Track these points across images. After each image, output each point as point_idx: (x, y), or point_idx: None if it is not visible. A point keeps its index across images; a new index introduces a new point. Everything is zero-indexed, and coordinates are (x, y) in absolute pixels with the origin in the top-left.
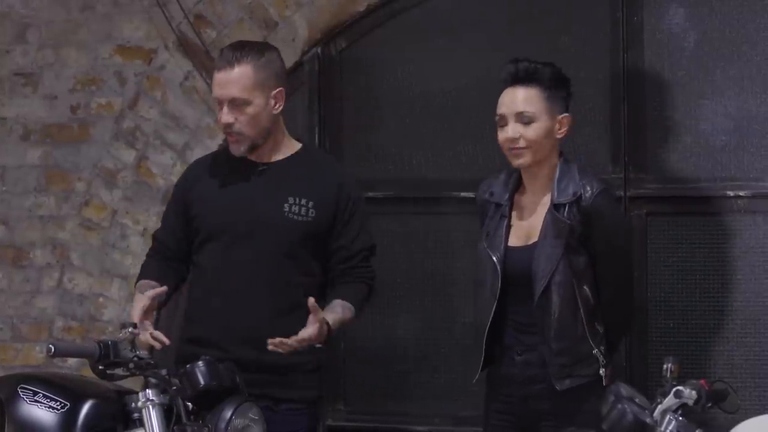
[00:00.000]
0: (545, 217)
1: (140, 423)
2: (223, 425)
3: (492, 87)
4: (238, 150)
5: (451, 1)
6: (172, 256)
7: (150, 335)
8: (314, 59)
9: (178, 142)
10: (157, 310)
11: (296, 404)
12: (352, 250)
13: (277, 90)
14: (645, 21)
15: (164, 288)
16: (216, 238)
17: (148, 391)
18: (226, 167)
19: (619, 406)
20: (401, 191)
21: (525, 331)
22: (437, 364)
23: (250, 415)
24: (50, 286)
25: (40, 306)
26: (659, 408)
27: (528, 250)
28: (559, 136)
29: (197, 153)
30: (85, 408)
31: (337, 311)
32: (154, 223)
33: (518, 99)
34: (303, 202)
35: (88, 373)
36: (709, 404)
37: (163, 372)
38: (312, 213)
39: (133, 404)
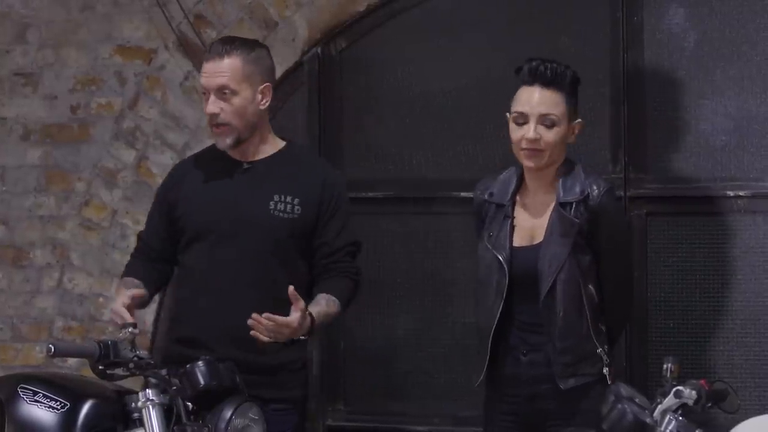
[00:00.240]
0: (551, 215)
1: (140, 423)
2: (223, 425)
3: (492, 87)
4: (223, 143)
5: (451, 1)
6: (156, 257)
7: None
8: (314, 59)
9: (178, 142)
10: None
11: (284, 404)
12: (335, 246)
13: (265, 85)
14: (645, 21)
15: (143, 291)
16: (202, 238)
17: (148, 391)
18: (210, 166)
19: (619, 406)
20: (401, 191)
21: (530, 330)
22: (437, 364)
23: (250, 415)
24: (50, 286)
25: (40, 306)
26: (659, 408)
27: (533, 249)
28: (569, 142)
29: None
30: (85, 408)
31: (321, 304)
32: None
33: (544, 100)
34: (288, 199)
35: (88, 373)
36: (709, 404)
37: (163, 372)
38: (297, 210)
39: (133, 404)
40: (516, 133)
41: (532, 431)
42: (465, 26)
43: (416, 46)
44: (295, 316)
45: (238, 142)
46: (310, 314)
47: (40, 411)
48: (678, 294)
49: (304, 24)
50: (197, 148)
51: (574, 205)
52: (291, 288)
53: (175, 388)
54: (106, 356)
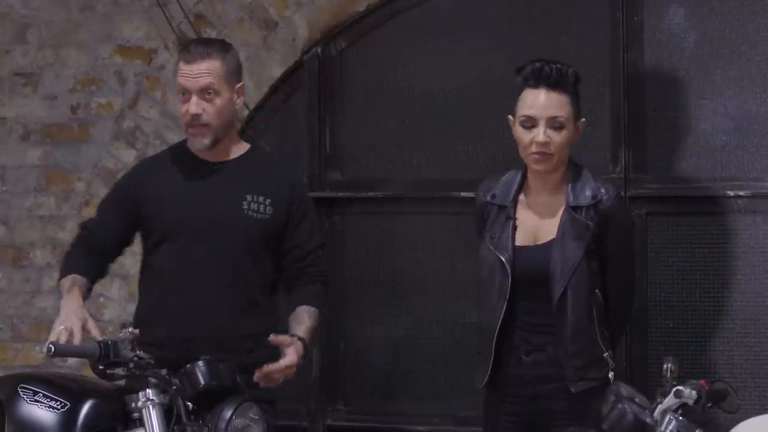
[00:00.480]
0: (562, 218)
1: (140, 423)
2: (223, 425)
3: (492, 87)
4: (202, 143)
5: (451, 1)
6: (99, 250)
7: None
8: (314, 59)
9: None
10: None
11: (259, 404)
12: (307, 248)
13: (240, 85)
14: (645, 21)
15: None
16: (173, 238)
17: (149, 391)
18: (179, 166)
19: (620, 406)
20: (401, 191)
21: (534, 331)
22: (437, 364)
23: (250, 414)
24: (50, 286)
25: (40, 306)
26: (659, 408)
27: (538, 250)
28: (573, 143)
29: None
30: (85, 408)
31: (305, 320)
32: None
33: (551, 103)
34: (260, 199)
35: (88, 373)
36: (709, 404)
37: (163, 372)
38: (270, 210)
39: (133, 404)
40: (525, 136)
41: (535, 431)
42: (465, 26)
43: (416, 46)
44: (291, 357)
45: (214, 143)
46: (300, 338)
47: (40, 411)
48: (678, 294)
49: (304, 24)
50: None
51: (584, 209)
52: (271, 337)
53: (175, 387)
54: (106, 356)
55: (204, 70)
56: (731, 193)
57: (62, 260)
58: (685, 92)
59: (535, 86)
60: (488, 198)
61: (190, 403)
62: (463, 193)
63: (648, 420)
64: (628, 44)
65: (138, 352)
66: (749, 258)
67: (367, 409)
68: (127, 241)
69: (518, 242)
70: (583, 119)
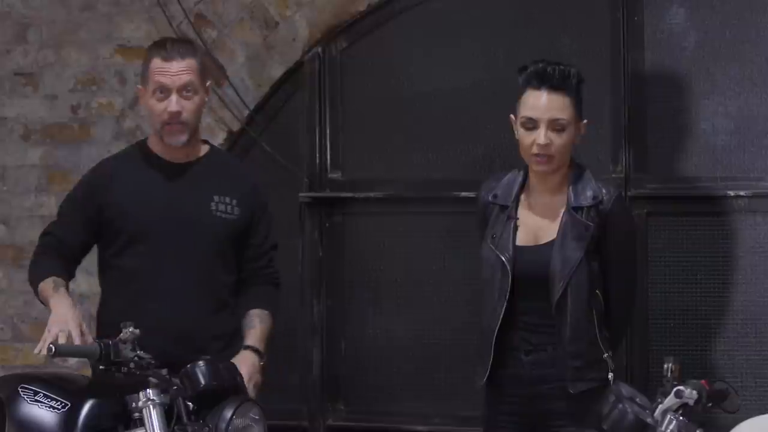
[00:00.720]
0: (562, 218)
1: (141, 423)
2: (223, 425)
3: (493, 87)
4: (179, 140)
5: (452, 1)
6: (68, 253)
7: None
8: (315, 59)
9: None
10: None
11: None
12: (262, 249)
13: (209, 83)
14: (645, 21)
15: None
16: (142, 240)
17: (149, 391)
18: (142, 167)
19: (620, 406)
20: (401, 191)
21: (534, 330)
22: (437, 364)
23: (251, 414)
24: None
25: (40, 306)
26: (660, 408)
27: (539, 250)
28: (575, 143)
29: None
30: (86, 408)
31: (255, 324)
32: None
33: (553, 105)
34: (227, 200)
35: (88, 373)
36: (710, 404)
37: (164, 372)
38: (236, 211)
39: (134, 404)
40: (526, 138)
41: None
42: (465, 26)
43: (417, 45)
44: (246, 371)
45: (189, 140)
46: (253, 348)
47: (40, 411)
48: (678, 293)
49: (304, 24)
50: None
51: (585, 210)
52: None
53: (175, 387)
54: (106, 356)
55: (185, 68)
56: (732, 193)
57: (32, 267)
58: (686, 92)
59: (538, 87)
60: (490, 198)
61: (190, 403)
62: (463, 193)
63: (648, 420)
64: (629, 44)
65: (138, 351)
66: (750, 258)
67: (367, 408)
68: (92, 243)
69: (519, 242)
70: (586, 120)
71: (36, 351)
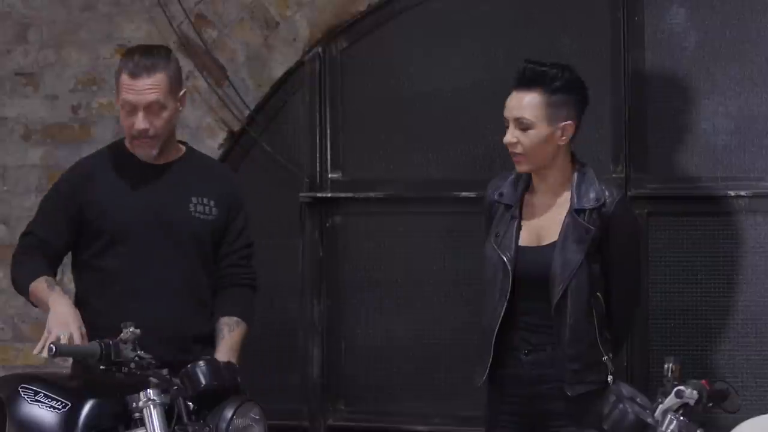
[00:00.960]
0: (564, 220)
1: (141, 423)
2: (224, 425)
3: (493, 87)
4: (149, 154)
5: (452, 1)
6: (51, 253)
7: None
8: (315, 59)
9: None
10: None
11: None
12: (234, 246)
13: (182, 93)
14: (646, 21)
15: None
16: (121, 241)
17: (150, 391)
18: (122, 168)
19: (621, 406)
20: (401, 191)
21: (534, 330)
22: (438, 364)
23: (251, 414)
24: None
25: None
26: (660, 408)
27: (541, 250)
28: (560, 143)
29: None
30: (86, 408)
31: (225, 335)
32: None
33: (518, 104)
34: (205, 201)
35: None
36: (710, 404)
37: (164, 372)
38: (214, 211)
39: (135, 404)
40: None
41: (536, 431)
42: (466, 26)
43: (417, 45)
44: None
45: (160, 151)
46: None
47: (41, 411)
48: (679, 293)
49: (305, 24)
50: (198, 148)
51: (587, 213)
52: None
53: (176, 387)
54: (107, 356)
55: (149, 86)
56: (732, 193)
57: (16, 268)
58: (686, 92)
59: (514, 87)
60: (496, 196)
61: (191, 403)
62: (463, 193)
63: (649, 420)
64: (629, 44)
65: (139, 351)
66: (750, 258)
67: (367, 408)
68: (73, 243)
69: (522, 242)
70: (569, 121)
71: (36, 351)
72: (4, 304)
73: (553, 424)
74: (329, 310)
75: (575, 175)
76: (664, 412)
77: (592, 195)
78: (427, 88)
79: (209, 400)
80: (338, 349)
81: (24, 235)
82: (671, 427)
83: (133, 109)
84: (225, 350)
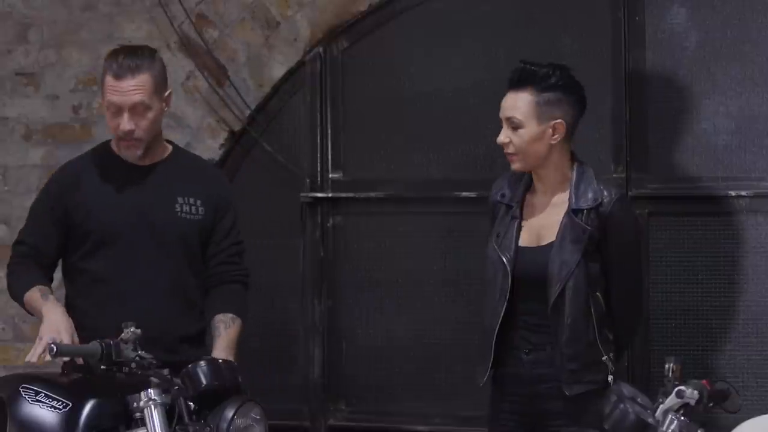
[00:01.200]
0: (562, 220)
1: (142, 423)
2: (225, 425)
3: (493, 87)
4: (134, 155)
5: (453, 2)
6: (45, 261)
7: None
8: (316, 59)
9: (179, 142)
10: None
11: None
12: (223, 245)
13: (168, 93)
14: (647, 21)
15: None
16: (109, 244)
17: (150, 391)
18: (107, 170)
19: (621, 406)
20: (402, 191)
21: (534, 330)
22: (438, 364)
23: (252, 414)
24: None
25: None
26: (661, 408)
27: (540, 250)
28: (552, 142)
29: (198, 152)
30: (87, 408)
31: (221, 333)
32: None
33: (509, 104)
34: (192, 200)
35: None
36: (711, 404)
37: (165, 372)
38: (201, 211)
39: (135, 404)
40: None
41: (536, 431)
42: (466, 26)
43: (418, 45)
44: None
45: (146, 152)
46: (224, 361)
47: (42, 411)
48: (680, 294)
49: (306, 24)
50: (199, 148)
51: (585, 212)
52: None
53: (177, 387)
54: (108, 356)
55: (134, 87)
56: (733, 193)
57: (11, 279)
58: (687, 92)
59: (507, 87)
60: (498, 197)
61: (191, 403)
62: (464, 193)
63: (650, 420)
64: (630, 44)
65: (140, 351)
66: (751, 258)
67: (368, 408)
68: (65, 247)
69: (522, 242)
70: (559, 120)
71: (27, 359)
72: (5, 304)
73: (552, 423)
74: (330, 310)
75: (574, 174)
76: (665, 412)
77: (590, 195)
78: (428, 88)
79: (210, 400)
80: (339, 349)
81: (16, 244)
82: (672, 427)
83: (118, 110)
84: (223, 347)
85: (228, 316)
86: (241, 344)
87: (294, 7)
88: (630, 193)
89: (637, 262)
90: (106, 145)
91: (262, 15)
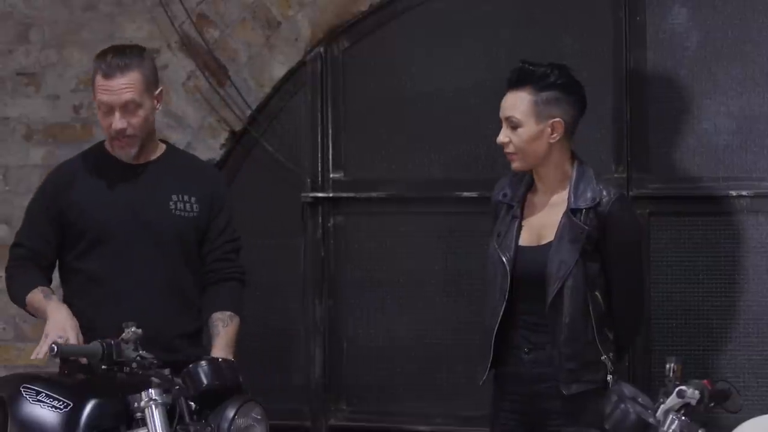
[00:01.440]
0: (561, 219)
1: (143, 423)
2: (225, 425)
3: (494, 87)
4: (129, 154)
5: (454, 2)
6: (43, 263)
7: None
8: (317, 59)
9: (180, 142)
10: None
11: None
12: (215, 243)
13: (159, 90)
14: (647, 21)
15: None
16: (104, 243)
17: (151, 391)
18: (101, 169)
19: (622, 405)
20: (403, 191)
21: (534, 329)
22: (439, 364)
23: (253, 414)
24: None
25: None
26: (662, 408)
27: (540, 250)
28: (551, 141)
29: (199, 152)
30: (88, 408)
31: (220, 331)
32: None
33: (508, 103)
34: (186, 198)
35: None
36: (712, 404)
37: (166, 371)
38: (196, 208)
39: (136, 404)
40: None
41: (535, 430)
42: (467, 26)
43: (419, 45)
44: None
45: (140, 150)
46: (228, 360)
47: (42, 411)
48: (681, 293)
49: (306, 24)
50: (199, 148)
51: (584, 212)
52: None
53: (177, 387)
54: (109, 356)
55: (124, 85)
56: (734, 193)
57: (11, 283)
58: (688, 92)
59: (506, 87)
60: (500, 197)
61: (192, 403)
62: (465, 193)
63: (650, 420)
64: (631, 44)
65: (141, 351)
66: (752, 258)
67: (369, 408)
68: (61, 248)
69: (522, 242)
70: (558, 119)
71: (33, 356)
72: (6, 304)
73: (551, 423)
74: (331, 310)
75: (574, 174)
76: (666, 412)
77: (588, 194)
78: (429, 88)
79: (211, 400)
80: (340, 349)
81: (14, 246)
82: (673, 427)
83: (109, 109)
84: (222, 346)
85: (225, 314)
86: (241, 344)
87: (295, 7)
88: (631, 193)
89: (638, 262)
90: (100, 145)
91: (262, 15)
